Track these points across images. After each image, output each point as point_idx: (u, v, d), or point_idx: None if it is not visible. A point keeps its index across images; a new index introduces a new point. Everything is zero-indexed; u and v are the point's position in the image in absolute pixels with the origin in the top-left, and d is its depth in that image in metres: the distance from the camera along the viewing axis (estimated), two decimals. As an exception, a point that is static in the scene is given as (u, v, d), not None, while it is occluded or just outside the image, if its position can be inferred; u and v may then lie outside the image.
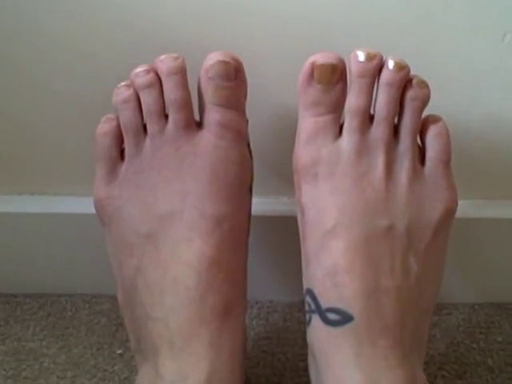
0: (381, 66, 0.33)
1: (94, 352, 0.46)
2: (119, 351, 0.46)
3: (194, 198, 0.34)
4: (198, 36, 0.38)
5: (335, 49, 0.34)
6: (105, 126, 0.35)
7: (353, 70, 0.33)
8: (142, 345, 0.35)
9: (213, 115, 0.34)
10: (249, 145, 0.37)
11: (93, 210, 0.44)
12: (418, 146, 0.34)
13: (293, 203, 0.46)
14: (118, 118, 0.35)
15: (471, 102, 0.40)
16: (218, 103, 0.34)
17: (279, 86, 0.40)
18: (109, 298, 0.49)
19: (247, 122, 0.37)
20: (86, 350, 0.46)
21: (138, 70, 0.34)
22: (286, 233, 0.46)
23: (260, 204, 0.40)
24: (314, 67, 0.33)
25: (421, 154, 0.34)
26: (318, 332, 0.32)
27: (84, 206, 0.45)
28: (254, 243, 0.38)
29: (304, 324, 0.47)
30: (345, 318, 0.31)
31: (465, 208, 0.39)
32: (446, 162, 0.34)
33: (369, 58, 0.33)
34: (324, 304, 0.32)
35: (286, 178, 0.45)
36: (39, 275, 0.49)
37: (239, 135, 0.35)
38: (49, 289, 0.50)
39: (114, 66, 0.39)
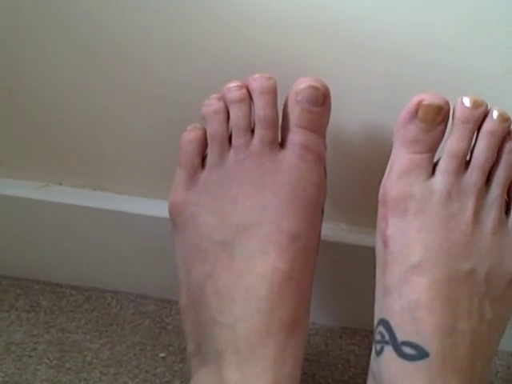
0: (485, 115, 0.34)
1: (137, 352, 0.46)
2: (162, 354, 0.46)
3: (273, 213, 0.35)
4: (287, 59, 0.39)
5: (422, 87, 0.35)
6: (190, 134, 0.36)
7: (457, 114, 0.34)
8: (203, 349, 0.36)
9: (296, 137, 0.35)
10: (325, 168, 0.38)
11: (152, 213, 0.46)
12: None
13: (350, 230, 0.47)
14: (203, 128, 0.36)
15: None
16: (303, 126, 0.35)
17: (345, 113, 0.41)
18: (154, 300, 0.50)
19: (326, 146, 0.37)
20: (129, 350, 0.46)
21: (231, 84, 0.35)
22: (339, 259, 0.46)
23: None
24: (419, 106, 0.33)
25: (506, 204, 0.35)
26: (390, 363, 0.33)
27: (143, 207, 0.46)
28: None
29: (345, 351, 0.48)
30: (420, 354, 0.32)
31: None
32: None
33: (475, 105, 0.33)
34: (400, 337, 0.33)
35: (345, 204, 0.46)
36: (87, 269, 0.50)
37: (319, 158, 0.36)
38: (95, 283, 0.50)
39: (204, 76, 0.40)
